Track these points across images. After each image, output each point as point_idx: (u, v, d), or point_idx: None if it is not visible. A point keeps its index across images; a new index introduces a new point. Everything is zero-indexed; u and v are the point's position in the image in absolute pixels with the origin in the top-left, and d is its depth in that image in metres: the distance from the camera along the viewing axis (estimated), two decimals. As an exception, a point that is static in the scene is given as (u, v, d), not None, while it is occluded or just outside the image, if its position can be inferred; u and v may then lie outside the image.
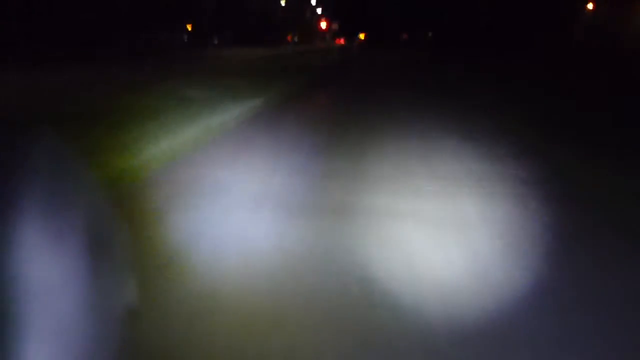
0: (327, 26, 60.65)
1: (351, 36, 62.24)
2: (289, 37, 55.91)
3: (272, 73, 12.69)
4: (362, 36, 61.23)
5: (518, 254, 2.31)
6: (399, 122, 5.87)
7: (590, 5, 33.62)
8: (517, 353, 1.64)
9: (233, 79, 10.73)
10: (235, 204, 3.01)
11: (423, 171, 3.71)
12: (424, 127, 5.51)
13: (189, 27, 49.91)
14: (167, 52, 26.52)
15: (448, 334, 1.71)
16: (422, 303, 1.91)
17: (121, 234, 0.79)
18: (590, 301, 1.92)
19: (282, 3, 48.81)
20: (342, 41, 62.83)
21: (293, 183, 3.39)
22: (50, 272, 0.54)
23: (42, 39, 25.70)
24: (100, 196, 0.73)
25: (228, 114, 6.16)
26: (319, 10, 60.05)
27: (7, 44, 23.05)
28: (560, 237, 2.53)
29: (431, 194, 3.19)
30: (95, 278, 0.61)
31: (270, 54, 24.47)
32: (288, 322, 1.79)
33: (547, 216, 2.80)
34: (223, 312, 1.85)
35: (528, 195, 3.16)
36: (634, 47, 26.97)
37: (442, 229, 2.64)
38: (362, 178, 3.53)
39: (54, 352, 0.50)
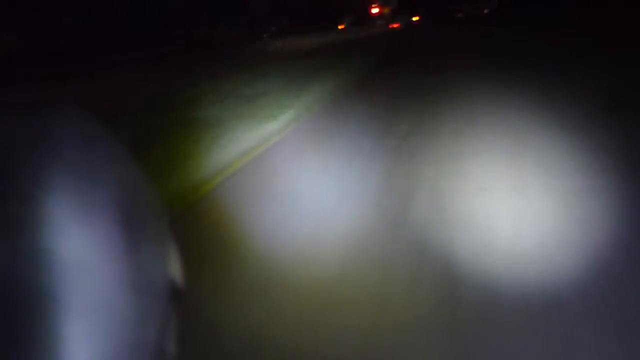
0: (379, 11, 59.68)
1: (405, 19, 60.83)
2: (340, 26, 55.44)
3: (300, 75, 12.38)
4: (415, 19, 59.73)
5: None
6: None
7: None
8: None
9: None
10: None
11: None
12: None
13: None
14: (215, 48, 27.14)
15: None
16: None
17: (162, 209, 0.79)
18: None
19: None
20: (397, 25, 61.51)
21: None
22: (95, 250, 0.54)
23: (103, 46, 26.94)
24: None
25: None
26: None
27: (71, 56, 24.26)
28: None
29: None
30: (144, 255, 0.62)
31: (315, 45, 24.41)
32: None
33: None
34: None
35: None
36: None
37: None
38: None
39: (98, 329, 0.49)
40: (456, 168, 3.50)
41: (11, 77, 17.26)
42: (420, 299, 1.97)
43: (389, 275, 2.17)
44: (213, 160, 4.45)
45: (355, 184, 3.48)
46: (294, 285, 2.18)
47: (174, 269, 0.78)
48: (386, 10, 59.32)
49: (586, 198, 2.72)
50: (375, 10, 59.39)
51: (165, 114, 7.18)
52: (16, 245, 0.46)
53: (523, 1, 32.54)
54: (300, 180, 3.69)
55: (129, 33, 29.61)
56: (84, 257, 0.51)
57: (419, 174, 3.45)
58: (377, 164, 3.82)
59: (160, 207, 0.81)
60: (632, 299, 1.81)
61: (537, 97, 5.55)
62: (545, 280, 1.98)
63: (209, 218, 3.22)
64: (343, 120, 5.87)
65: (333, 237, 2.64)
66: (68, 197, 0.53)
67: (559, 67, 7.79)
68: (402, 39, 24.27)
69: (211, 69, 14.97)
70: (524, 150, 3.69)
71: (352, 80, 9.49)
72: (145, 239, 0.67)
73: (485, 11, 42.91)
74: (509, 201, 2.82)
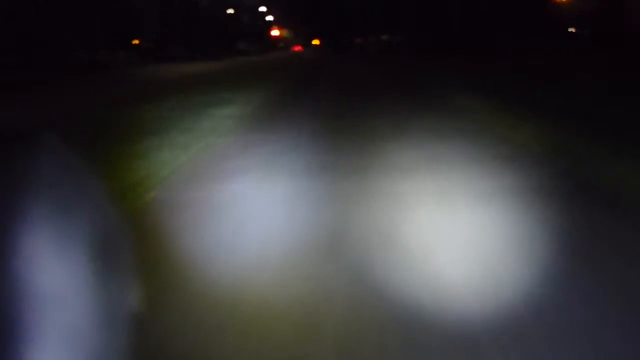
0: (279, 34, 59.48)
1: (307, 43, 61.33)
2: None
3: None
4: (316, 42, 60.44)
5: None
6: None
7: None
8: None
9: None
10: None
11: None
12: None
13: (136, 42, 47.98)
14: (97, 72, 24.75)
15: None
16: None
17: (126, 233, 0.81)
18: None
19: (230, 11, 47.07)
20: (299, 48, 61.90)
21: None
22: (54, 278, 0.56)
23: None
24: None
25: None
26: (269, 18, 58.70)
27: None
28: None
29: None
30: (100, 282, 0.64)
31: (204, 71, 23.05)
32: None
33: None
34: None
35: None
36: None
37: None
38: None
39: (59, 358, 0.52)
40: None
41: None
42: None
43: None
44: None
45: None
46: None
47: (136, 295, 0.80)
48: (285, 34, 59.23)
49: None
50: (275, 33, 59.05)
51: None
52: None
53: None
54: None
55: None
56: (50, 286, 0.54)
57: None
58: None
59: (123, 230, 0.82)
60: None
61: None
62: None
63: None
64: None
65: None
66: (35, 223, 0.56)
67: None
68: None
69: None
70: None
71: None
72: (109, 265, 0.69)
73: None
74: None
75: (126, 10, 39.35)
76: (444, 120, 6.49)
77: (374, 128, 6.10)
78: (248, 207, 3.34)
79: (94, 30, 37.20)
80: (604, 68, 14.39)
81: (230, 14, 47.21)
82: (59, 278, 0.56)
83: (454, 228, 2.84)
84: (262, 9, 55.33)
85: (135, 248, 0.98)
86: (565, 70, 14.41)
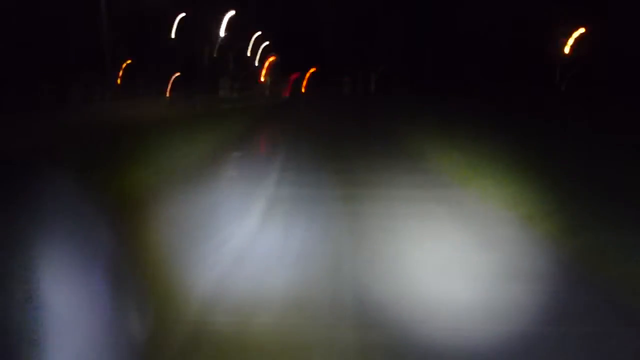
0: (265, 80, 57.25)
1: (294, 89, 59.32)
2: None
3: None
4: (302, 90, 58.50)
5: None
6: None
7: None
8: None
9: None
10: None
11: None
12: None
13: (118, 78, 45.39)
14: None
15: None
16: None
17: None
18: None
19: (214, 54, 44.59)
20: (287, 94, 59.78)
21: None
22: (71, 303, 0.90)
23: None
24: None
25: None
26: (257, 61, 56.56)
27: None
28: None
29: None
30: (112, 309, 0.96)
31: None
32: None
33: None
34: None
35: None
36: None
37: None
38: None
39: None
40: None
41: None
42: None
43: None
44: None
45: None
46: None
47: (142, 322, 0.96)
48: (270, 78, 57.22)
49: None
50: (263, 78, 57.20)
51: None
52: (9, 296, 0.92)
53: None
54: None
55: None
56: (67, 310, 0.87)
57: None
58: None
59: (135, 263, 1.16)
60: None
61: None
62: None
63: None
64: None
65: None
66: (56, 253, 0.95)
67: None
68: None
69: None
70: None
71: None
72: (119, 295, 0.95)
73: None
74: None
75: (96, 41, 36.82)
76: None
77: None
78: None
79: (60, 62, 34.60)
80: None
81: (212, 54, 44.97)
82: None
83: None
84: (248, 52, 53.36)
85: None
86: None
